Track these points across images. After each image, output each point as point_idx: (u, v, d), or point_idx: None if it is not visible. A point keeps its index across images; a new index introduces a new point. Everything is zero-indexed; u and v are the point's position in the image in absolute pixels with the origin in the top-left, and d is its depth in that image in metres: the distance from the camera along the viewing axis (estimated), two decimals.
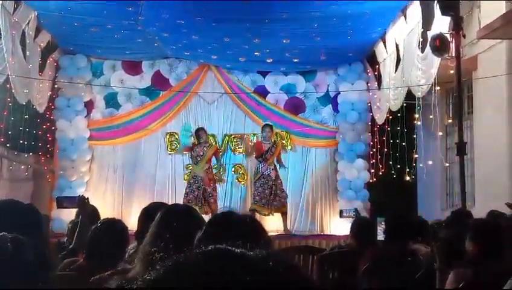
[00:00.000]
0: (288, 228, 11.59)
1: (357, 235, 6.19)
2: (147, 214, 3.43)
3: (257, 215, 10.69)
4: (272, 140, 11.68)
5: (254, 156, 11.77)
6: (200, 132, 11.65)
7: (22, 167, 11.30)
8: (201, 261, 0.94)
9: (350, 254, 5.76)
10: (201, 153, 11.41)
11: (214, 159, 11.79)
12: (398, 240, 5.08)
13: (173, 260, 0.96)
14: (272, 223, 11.43)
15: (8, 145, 10.27)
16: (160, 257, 2.28)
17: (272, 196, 11.29)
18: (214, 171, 11.93)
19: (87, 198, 5.37)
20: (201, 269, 0.93)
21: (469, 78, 9.56)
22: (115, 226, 3.93)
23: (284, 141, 12.47)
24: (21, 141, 10.60)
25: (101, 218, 5.19)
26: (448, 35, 7.95)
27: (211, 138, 12.27)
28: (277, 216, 11.60)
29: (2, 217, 2.79)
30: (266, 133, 11.56)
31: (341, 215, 9.82)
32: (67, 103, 12.32)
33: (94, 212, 5.76)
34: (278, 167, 11.64)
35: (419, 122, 10.02)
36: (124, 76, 12.73)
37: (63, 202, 5.90)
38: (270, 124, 11.91)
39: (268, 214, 11.28)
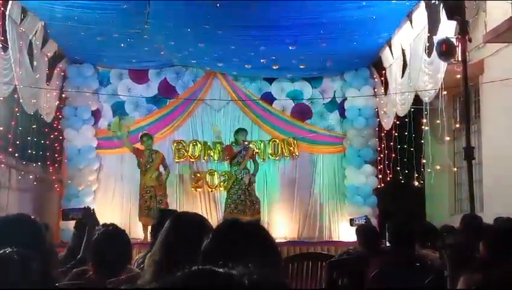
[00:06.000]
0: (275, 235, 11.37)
1: (364, 242, 6.19)
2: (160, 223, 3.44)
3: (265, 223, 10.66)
4: (244, 144, 11.53)
5: (227, 160, 11.73)
6: (144, 137, 11.47)
7: (30, 176, 11.32)
8: (189, 280, 0.98)
9: (359, 261, 5.74)
10: (150, 160, 11.31)
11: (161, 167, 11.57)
12: (405, 246, 5.07)
13: (163, 279, 1.00)
14: (279, 230, 11.42)
15: (16, 155, 10.30)
16: (169, 265, 2.27)
17: (248, 201, 11.18)
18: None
19: (93, 209, 5.38)
20: (191, 288, 0.97)
21: (476, 82, 9.54)
22: (114, 232, 3.93)
23: (255, 149, 12.26)
24: (29, 151, 10.62)
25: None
26: (454, 40, 7.93)
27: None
28: (283, 222, 11.57)
29: (7, 232, 2.80)
30: (239, 137, 11.46)
31: (351, 224, 9.79)
32: (75, 112, 12.36)
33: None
34: (251, 172, 11.49)
35: (426, 127, 9.99)
36: (130, 85, 12.77)
37: (69, 214, 5.91)
38: (244, 128, 11.82)
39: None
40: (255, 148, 12.11)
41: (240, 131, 11.61)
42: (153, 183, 11.21)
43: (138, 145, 11.57)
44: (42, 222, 4.77)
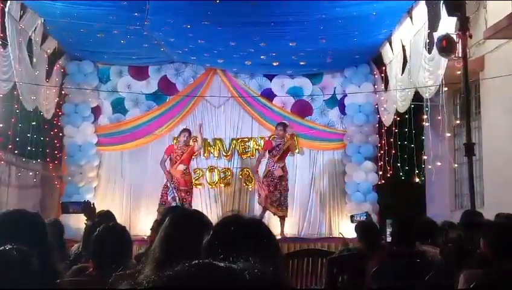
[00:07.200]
0: (285, 233, 11.28)
1: (364, 239, 6.18)
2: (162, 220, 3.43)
3: (265, 219, 10.67)
4: (284, 138, 11.47)
5: (262, 153, 11.69)
6: (182, 133, 11.43)
7: (30, 173, 11.34)
8: (190, 274, 1.00)
9: (359, 257, 5.74)
10: (180, 153, 11.25)
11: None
12: (406, 242, 5.07)
13: (164, 274, 1.01)
14: (279, 226, 11.38)
15: (16, 152, 10.30)
16: (169, 262, 2.27)
17: (277, 194, 11.17)
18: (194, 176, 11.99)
19: (93, 203, 5.38)
20: (192, 281, 0.98)
21: (476, 78, 9.52)
22: (115, 229, 3.93)
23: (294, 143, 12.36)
24: (29, 148, 10.63)
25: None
26: (454, 36, 7.92)
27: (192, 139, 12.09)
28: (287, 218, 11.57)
29: (7, 228, 2.79)
30: (277, 131, 11.42)
31: (352, 220, 9.81)
32: (75, 109, 12.36)
33: (108, 214, 5.77)
34: (286, 167, 11.47)
35: (427, 124, 9.99)
36: (130, 81, 12.76)
37: (68, 207, 5.92)
38: (285, 122, 11.74)
39: (276, 214, 11.13)
40: (292, 142, 11.91)
41: (278, 125, 11.51)
42: (178, 175, 11.11)
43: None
44: (48, 218, 4.76)
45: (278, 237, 10.83)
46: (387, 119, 11.65)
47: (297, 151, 12.69)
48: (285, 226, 11.40)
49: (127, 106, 12.74)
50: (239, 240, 1.91)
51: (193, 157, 11.76)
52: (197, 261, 1.03)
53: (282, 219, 11.29)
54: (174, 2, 9.16)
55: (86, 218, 5.49)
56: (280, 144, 11.33)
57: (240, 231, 2.00)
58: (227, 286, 0.97)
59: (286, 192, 11.38)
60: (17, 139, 10.06)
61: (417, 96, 9.85)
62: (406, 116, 10.73)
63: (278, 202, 11.18)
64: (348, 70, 12.74)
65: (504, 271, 3.53)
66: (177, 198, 10.95)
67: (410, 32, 9.65)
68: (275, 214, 11.18)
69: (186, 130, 11.50)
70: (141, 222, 11.66)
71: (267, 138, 12.35)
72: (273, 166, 11.23)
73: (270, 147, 11.41)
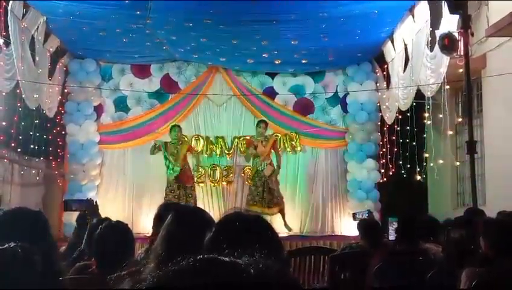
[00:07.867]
0: (290, 226, 11.56)
1: (366, 236, 6.20)
2: (159, 217, 3.42)
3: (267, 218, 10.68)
4: (265, 136, 11.62)
5: (247, 153, 11.75)
6: (172, 129, 11.57)
7: (33, 171, 11.35)
8: (197, 268, 1.00)
9: (361, 254, 5.75)
10: (176, 152, 11.33)
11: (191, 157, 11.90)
12: (410, 240, 5.08)
13: (171, 268, 1.02)
14: (282, 224, 11.42)
15: (18, 150, 10.31)
16: (172, 259, 2.27)
17: (266, 193, 11.20)
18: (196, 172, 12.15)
19: (96, 201, 5.39)
20: (197, 275, 0.99)
21: (478, 76, 9.53)
22: (118, 227, 3.93)
23: (279, 137, 12.44)
24: (31, 146, 10.64)
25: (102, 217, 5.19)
26: (456, 34, 7.92)
27: (185, 136, 12.16)
28: (285, 216, 11.59)
29: (9, 226, 2.80)
30: (260, 129, 11.53)
31: (354, 218, 9.81)
32: (77, 107, 12.38)
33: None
34: (275, 164, 11.54)
35: (429, 122, 9.99)
36: (133, 79, 12.77)
37: (71, 205, 5.94)
38: (264, 120, 11.88)
39: (267, 212, 11.07)
40: (275, 139, 12.03)
41: (259, 123, 11.61)
42: (175, 178, 11.18)
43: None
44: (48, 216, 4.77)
45: (284, 234, 10.91)
46: (389, 117, 11.65)
47: (299, 149, 12.71)
48: (288, 223, 11.48)
49: (130, 104, 12.75)
50: (241, 237, 1.92)
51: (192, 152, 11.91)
52: (201, 256, 1.04)
53: (281, 212, 11.42)
54: (176, 1, 9.16)
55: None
56: (263, 141, 11.42)
57: (241, 227, 2.01)
58: (232, 280, 0.97)
59: (278, 186, 11.53)
60: (20, 137, 10.07)
61: (419, 94, 9.85)
62: (408, 114, 10.74)
63: (272, 200, 11.23)
64: (350, 68, 12.74)
65: (506, 269, 3.54)
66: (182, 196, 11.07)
67: (412, 31, 9.65)
68: (270, 213, 11.15)
69: (176, 126, 11.68)
70: (143, 220, 11.67)
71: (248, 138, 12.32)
72: (261, 165, 11.32)
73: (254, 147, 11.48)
